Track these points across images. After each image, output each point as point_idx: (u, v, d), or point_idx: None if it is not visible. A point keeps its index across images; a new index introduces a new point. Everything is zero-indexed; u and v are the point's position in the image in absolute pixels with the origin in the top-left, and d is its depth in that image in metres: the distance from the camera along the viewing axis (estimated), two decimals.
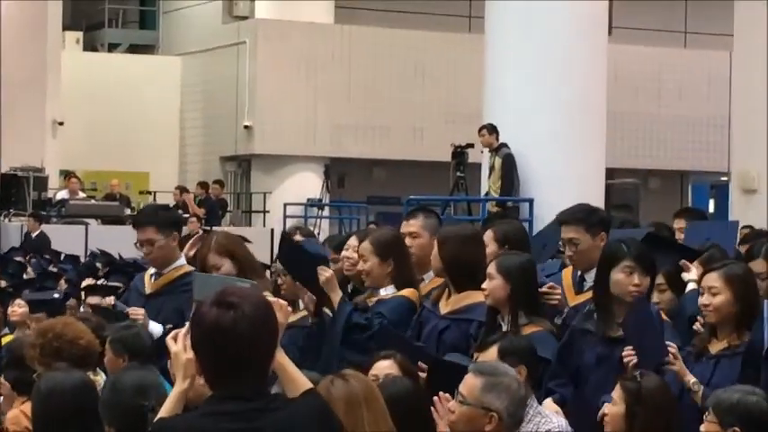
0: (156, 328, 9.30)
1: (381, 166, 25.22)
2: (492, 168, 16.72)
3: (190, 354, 4.37)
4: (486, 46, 17.16)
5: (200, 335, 4.34)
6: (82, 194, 23.01)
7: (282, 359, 4.46)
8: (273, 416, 4.36)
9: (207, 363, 4.32)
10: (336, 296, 8.75)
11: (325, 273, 8.71)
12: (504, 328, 7.87)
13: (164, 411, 4.55)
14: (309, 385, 4.44)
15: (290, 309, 4.80)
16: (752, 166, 18.11)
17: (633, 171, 22.28)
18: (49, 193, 22.75)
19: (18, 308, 10.37)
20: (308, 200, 24.01)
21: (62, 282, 12.63)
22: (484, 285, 7.97)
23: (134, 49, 30.01)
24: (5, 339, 9.42)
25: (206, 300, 4.52)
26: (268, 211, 25.20)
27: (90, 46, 29.16)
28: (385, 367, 6.31)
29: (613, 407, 6.21)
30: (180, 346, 4.47)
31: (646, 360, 7.03)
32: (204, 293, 5.15)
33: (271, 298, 5.13)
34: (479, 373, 5.95)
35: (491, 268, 7.68)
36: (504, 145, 16.60)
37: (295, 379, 4.45)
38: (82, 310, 10.34)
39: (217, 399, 4.32)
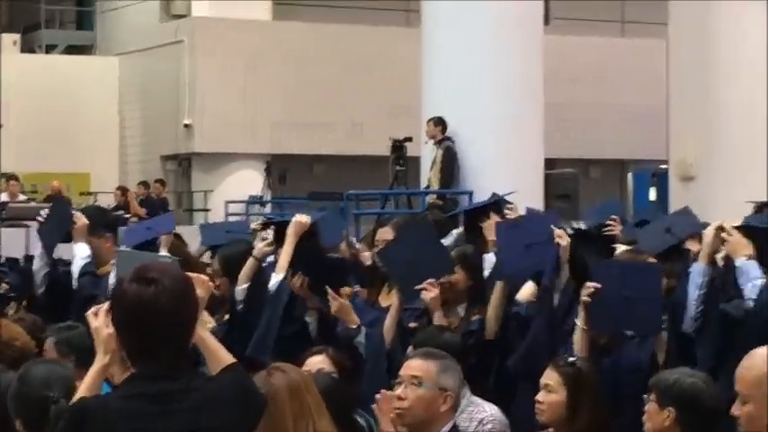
0: (80, 250, 10.38)
1: (322, 162, 25.36)
2: (434, 161, 16.96)
3: (111, 329, 4.38)
4: (423, 39, 17.37)
5: (120, 310, 4.39)
6: (22, 197, 23.10)
7: (203, 333, 4.55)
8: (194, 396, 4.34)
9: (128, 338, 4.36)
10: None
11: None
12: (457, 318, 8.29)
13: (83, 388, 4.63)
14: (231, 360, 4.55)
15: (211, 284, 4.95)
16: (688, 153, 18.42)
17: (574, 161, 22.51)
18: None
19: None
20: (250, 197, 24.01)
21: (3, 285, 12.74)
22: (445, 280, 8.29)
23: (72, 49, 30.02)
24: None
25: (125, 275, 4.63)
26: (209, 210, 25.21)
27: (27, 48, 29.17)
28: (317, 362, 6.48)
29: (550, 394, 6.34)
30: (101, 321, 4.49)
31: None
32: (126, 269, 5.27)
33: (191, 273, 5.26)
34: (428, 356, 6.28)
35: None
36: (448, 138, 16.82)
37: (216, 353, 4.54)
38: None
39: (137, 378, 4.28)
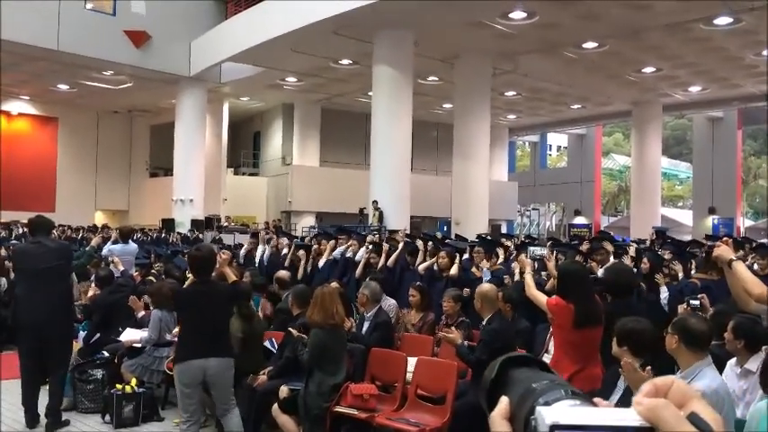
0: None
1: (335, 215, 24.04)
2: (374, 215, 16.43)
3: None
4: (370, 175, 17.02)
5: (190, 259, 4.61)
6: (232, 224, 22.84)
7: (225, 269, 4.71)
8: (214, 291, 4.54)
9: (192, 269, 4.57)
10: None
11: None
12: (383, 266, 7.73)
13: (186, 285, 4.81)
14: (235, 278, 4.72)
15: (226, 256, 5.02)
16: (458, 215, 18.43)
17: (420, 216, 22.18)
18: (222, 223, 22.56)
19: (223, 254, 10.03)
20: (310, 227, 22.20)
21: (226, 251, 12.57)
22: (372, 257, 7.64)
23: (251, 174, 29.24)
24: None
25: (193, 248, 4.98)
26: (296, 230, 23.55)
27: (234, 173, 28.60)
28: (334, 284, 6.27)
29: (414, 297, 6.25)
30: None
31: None
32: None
33: (223, 251, 5.55)
34: (364, 287, 6.08)
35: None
36: (379, 208, 16.32)
37: (230, 276, 4.70)
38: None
39: (195, 283, 4.55)
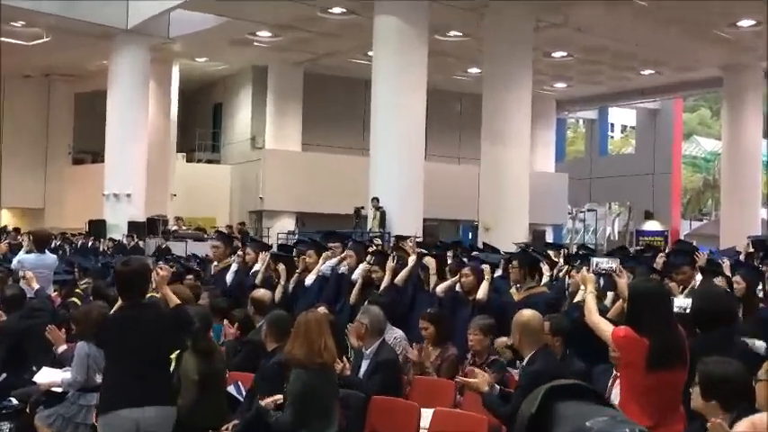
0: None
1: (322, 216, 24.07)
2: (374, 217, 16.63)
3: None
4: (370, 162, 17.18)
5: (116, 277, 4.86)
6: (184, 227, 22.83)
7: (165, 291, 4.76)
8: (153, 313, 4.64)
9: (119, 289, 4.71)
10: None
11: None
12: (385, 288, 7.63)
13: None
14: (177, 302, 4.73)
15: (166, 272, 5.07)
16: (487, 218, 18.46)
17: (436, 219, 22.20)
18: (170, 227, 22.61)
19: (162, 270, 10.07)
20: (288, 231, 22.53)
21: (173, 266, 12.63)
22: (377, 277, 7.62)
23: (209, 161, 29.53)
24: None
25: (119, 262, 5.22)
26: (269, 237, 23.50)
27: (188, 160, 28.67)
28: (322, 309, 6.30)
29: (427, 330, 6.31)
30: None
31: None
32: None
33: (160, 265, 5.65)
34: (362, 310, 6.14)
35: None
36: (381, 207, 16.51)
37: (171, 299, 4.72)
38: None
39: (126, 305, 4.62)
